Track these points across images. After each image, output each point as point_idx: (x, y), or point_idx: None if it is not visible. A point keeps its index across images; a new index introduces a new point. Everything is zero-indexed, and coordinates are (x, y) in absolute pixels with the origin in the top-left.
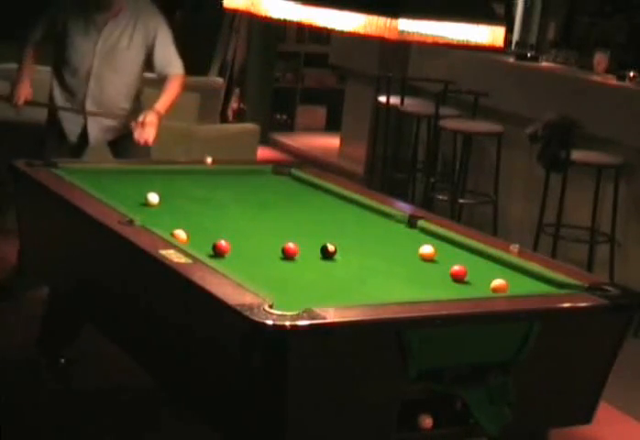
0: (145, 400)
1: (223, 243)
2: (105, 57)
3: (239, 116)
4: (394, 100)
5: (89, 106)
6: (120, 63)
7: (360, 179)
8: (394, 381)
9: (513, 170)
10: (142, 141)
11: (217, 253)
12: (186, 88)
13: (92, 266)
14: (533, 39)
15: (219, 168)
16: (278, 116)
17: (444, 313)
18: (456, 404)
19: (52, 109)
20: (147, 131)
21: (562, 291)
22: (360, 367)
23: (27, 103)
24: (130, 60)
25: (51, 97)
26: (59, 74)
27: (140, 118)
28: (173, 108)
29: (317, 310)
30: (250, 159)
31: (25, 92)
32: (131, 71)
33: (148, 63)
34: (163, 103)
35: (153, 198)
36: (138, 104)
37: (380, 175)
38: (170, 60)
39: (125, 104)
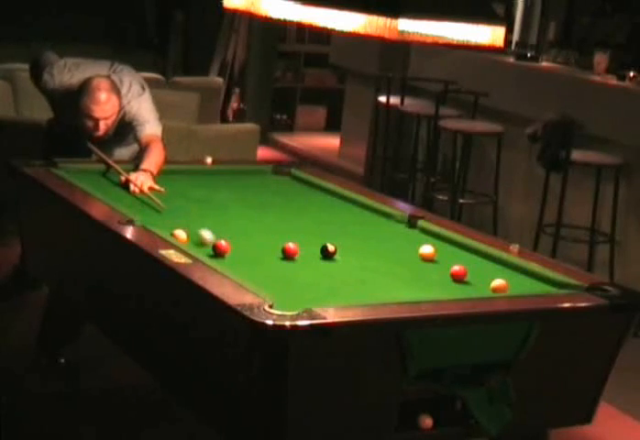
0: (145, 400)
1: (223, 243)
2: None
3: (239, 116)
4: (394, 100)
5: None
6: (113, 139)
7: (360, 179)
8: (394, 381)
9: (513, 170)
10: (137, 192)
11: (217, 253)
12: (168, 158)
13: (92, 266)
14: (533, 39)
15: (219, 168)
16: (278, 116)
17: (444, 313)
18: (456, 404)
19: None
20: (141, 180)
21: (562, 291)
22: (360, 367)
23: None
24: (120, 137)
25: None
26: None
27: (132, 176)
28: (172, 108)
29: (317, 310)
30: (250, 159)
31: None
32: (127, 143)
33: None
34: (151, 162)
35: (207, 235)
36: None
37: (380, 175)
38: (146, 127)
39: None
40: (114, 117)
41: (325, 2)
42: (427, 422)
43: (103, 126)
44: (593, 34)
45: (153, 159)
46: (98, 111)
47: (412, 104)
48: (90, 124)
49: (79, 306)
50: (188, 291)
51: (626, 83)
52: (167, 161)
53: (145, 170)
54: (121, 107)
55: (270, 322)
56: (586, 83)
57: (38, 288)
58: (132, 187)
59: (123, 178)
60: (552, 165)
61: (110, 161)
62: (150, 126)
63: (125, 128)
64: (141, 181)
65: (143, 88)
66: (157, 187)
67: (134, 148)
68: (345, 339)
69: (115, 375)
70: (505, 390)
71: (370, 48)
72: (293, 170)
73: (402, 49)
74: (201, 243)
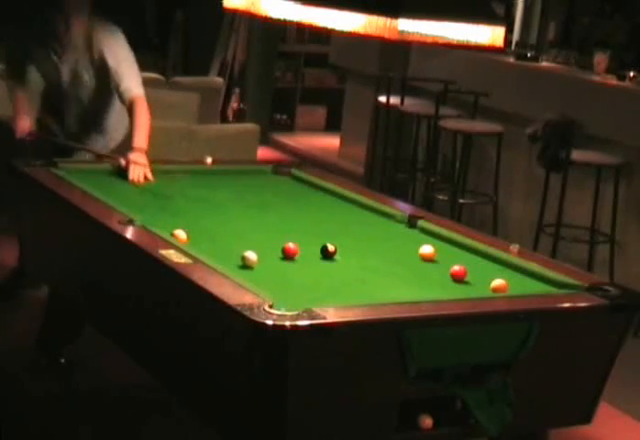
0: (145, 399)
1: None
2: (73, 88)
3: (239, 116)
4: (394, 100)
5: (75, 127)
6: (90, 85)
7: (360, 179)
8: (394, 381)
9: (513, 170)
10: (136, 181)
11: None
12: (152, 114)
13: (91, 266)
14: (533, 39)
15: (219, 168)
16: (278, 116)
17: (444, 313)
18: (456, 404)
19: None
20: (139, 172)
21: (562, 291)
22: (360, 367)
23: (32, 135)
24: (97, 81)
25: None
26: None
27: (129, 157)
28: (172, 108)
29: (317, 310)
30: (250, 159)
31: (23, 124)
32: (105, 91)
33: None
34: (142, 138)
35: (251, 256)
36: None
37: (380, 175)
38: (128, 80)
39: (110, 119)
40: (81, 28)
41: (325, 2)
42: (427, 422)
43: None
44: (593, 34)
45: (143, 132)
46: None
47: (412, 104)
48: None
49: (79, 306)
50: (188, 291)
51: (626, 83)
52: (165, 160)
53: (138, 150)
54: (89, 28)
55: (270, 322)
56: (586, 83)
57: (38, 287)
58: (131, 175)
59: (123, 162)
60: (552, 165)
61: (102, 153)
62: (135, 84)
63: (102, 94)
64: (138, 173)
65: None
66: (150, 176)
67: (110, 135)
68: (345, 339)
69: (115, 375)
70: (505, 390)
71: (370, 48)
72: (293, 170)
73: (402, 49)
74: (246, 265)
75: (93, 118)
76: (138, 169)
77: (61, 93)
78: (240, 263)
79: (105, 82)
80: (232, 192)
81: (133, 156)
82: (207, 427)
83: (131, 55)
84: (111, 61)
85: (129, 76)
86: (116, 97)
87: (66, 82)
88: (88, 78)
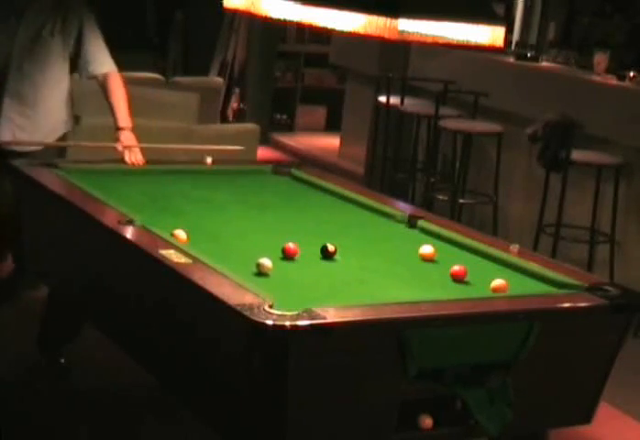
0: (144, 399)
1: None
2: (24, 59)
3: (239, 116)
4: (394, 100)
5: (9, 111)
6: (44, 56)
7: (360, 179)
8: (394, 381)
9: (513, 170)
10: (136, 164)
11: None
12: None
13: (92, 266)
14: (533, 39)
15: (219, 168)
16: (278, 116)
17: (444, 313)
18: (456, 404)
19: None
20: (135, 154)
21: (562, 291)
22: (360, 367)
23: None
24: (56, 52)
25: None
26: None
27: (122, 140)
28: (172, 108)
29: (317, 310)
30: (250, 159)
31: None
32: (58, 66)
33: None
34: (124, 115)
35: (266, 262)
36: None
37: (380, 175)
38: (101, 55)
39: (59, 110)
40: None
41: (325, 2)
42: (427, 422)
43: None
44: (593, 34)
45: (124, 109)
46: None
47: (412, 104)
48: None
49: (79, 306)
50: (188, 291)
51: (626, 83)
52: (165, 160)
53: (127, 129)
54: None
55: (270, 322)
56: (586, 83)
57: (37, 288)
58: (129, 159)
59: (119, 147)
60: (552, 165)
61: (90, 145)
62: (109, 60)
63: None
64: (135, 156)
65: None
66: (141, 159)
67: (50, 125)
68: (345, 339)
69: (115, 375)
70: (505, 390)
71: (370, 48)
72: (293, 170)
73: (402, 49)
74: (262, 272)
75: (36, 100)
76: (134, 151)
77: (5, 64)
78: (239, 263)
79: (64, 58)
80: (232, 193)
81: (124, 138)
82: (207, 427)
83: (102, 38)
84: (85, 37)
85: (103, 53)
86: (65, 88)
87: (19, 49)
88: (52, 46)
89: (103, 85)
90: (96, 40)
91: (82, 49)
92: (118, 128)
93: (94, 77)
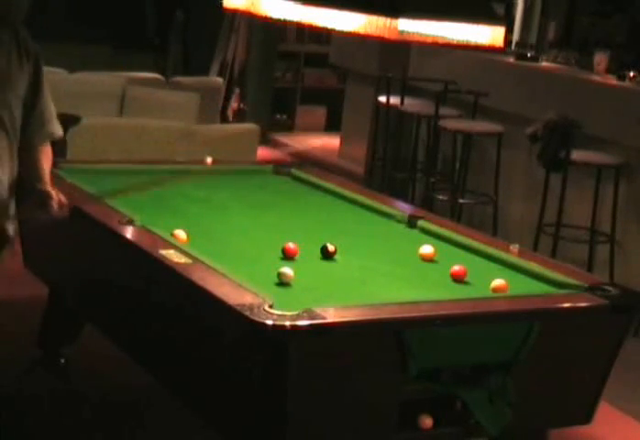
0: (145, 399)
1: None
2: None
3: (239, 116)
4: (394, 100)
5: None
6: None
7: (360, 179)
8: (394, 381)
9: (513, 170)
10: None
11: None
12: None
13: (92, 266)
14: (533, 39)
15: (219, 168)
16: (278, 116)
17: (444, 313)
18: (456, 404)
19: None
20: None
21: (562, 291)
22: (360, 367)
23: None
24: (20, 86)
25: None
26: None
27: (55, 194)
28: (172, 108)
29: (317, 310)
30: (250, 159)
31: None
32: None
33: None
34: (47, 176)
35: (288, 271)
36: None
37: (381, 175)
38: (52, 114)
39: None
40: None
41: (325, 2)
42: (427, 422)
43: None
44: (593, 34)
45: (48, 173)
46: None
47: (412, 104)
48: None
49: (79, 306)
50: (188, 291)
51: (626, 83)
52: (165, 160)
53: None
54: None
55: (270, 322)
56: (586, 83)
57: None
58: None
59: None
60: (552, 165)
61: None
62: (59, 127)
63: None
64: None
65: None
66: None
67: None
68: (345, 339)
69: (115, 375)
70: (505, 390)
71: (370, 48)
72: (293, 170)
73: (402, 49)
74: (283, 282)
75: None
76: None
77: None
78: (239, 263)
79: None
80: (232, 193)
81: (55, 192)
82: (207, 427)
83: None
84: (42, 92)
85: (54, 116)
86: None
87: None
88: (19, 86)
89: (40, 148)
90: (49, 98)
91: (38, 106)
92: (46, 183)
93: (38, 138)
